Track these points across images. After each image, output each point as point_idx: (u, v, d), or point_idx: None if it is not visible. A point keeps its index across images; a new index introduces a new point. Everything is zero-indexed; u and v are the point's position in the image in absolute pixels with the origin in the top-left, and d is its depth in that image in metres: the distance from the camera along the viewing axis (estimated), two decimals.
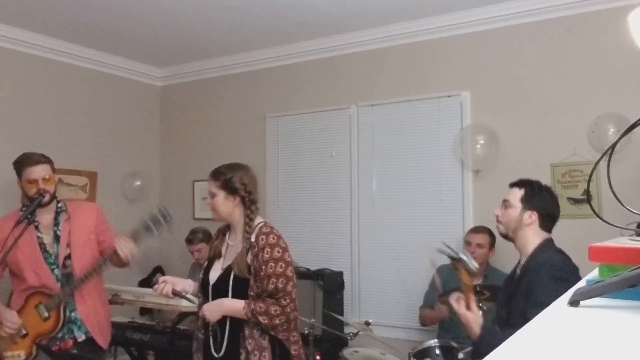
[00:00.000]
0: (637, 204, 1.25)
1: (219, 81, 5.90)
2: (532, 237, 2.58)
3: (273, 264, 2.64)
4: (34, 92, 5.09)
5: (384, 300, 4.82)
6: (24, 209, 3.29)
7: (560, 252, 2.58)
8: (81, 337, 3.30)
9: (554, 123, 4.23)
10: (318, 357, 4.11)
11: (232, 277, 2.72)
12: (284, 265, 2.66)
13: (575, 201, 4.12)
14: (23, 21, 4.73)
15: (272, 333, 2.66)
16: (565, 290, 2.46)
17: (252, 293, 2.67)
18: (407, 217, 4.76)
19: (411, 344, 3.97)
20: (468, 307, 2.33)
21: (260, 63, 5.57)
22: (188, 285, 2.98)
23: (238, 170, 2.82)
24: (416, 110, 4.78)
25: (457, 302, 2.41)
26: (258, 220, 2.82)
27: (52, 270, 3.31)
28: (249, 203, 2.80)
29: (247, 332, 2.66)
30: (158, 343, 4.12)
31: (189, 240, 4.91)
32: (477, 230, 4.14)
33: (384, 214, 4.86)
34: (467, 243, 4.11)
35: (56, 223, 3.38)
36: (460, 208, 4.54)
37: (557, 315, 0.84)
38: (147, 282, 5.79)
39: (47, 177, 3.29)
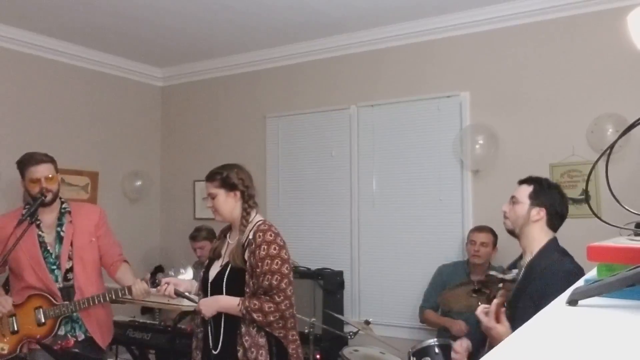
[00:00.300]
0: (636, 204, 1.26)
1: (219, 81, 5.91)
2: (539, 234, 2.56)
3: (269, 261, 2.66)
4: (35, 92, 5.10)
5: (384, 300, 4.84)
6: (26, 207, 3.30)
7: (565, 253, 2.57)
8: (81, 337, 3.32)
9: (553, 123, 4.25)
10: (318, 356, 4.12)
11: (227, 272, 2.76)
12: (279, 262, 2.68)
13: (574, 201, 4.13)
14: (25, 22, 4.74)
15: (267, 330, 2.67)
16: None
17: (247, 290, 2.69)
18: (406, 216, 4.77)
19: (411, 342, 3.98)
20: (498, 320, 2.22)
21: (261, 63, 5.58)
22: (191, 286, 3.00)
23: (232, 168, 2.88)
24: (416, 111, 4.79)
25: (484, 315, 2.29)
26: (257, 217, 2.85)
27: (52, 270, 3.31)
28: (247, 197, 2.85)
29: (243, 329, 2.68)
30: (159, 342, 4.12)
31: (193, 237, 4.93)
32: (481, 229, 4.15)
33: (383, 214, 4.88)
34: (472, 242, 4.13)
35: (60, 224, 3.38)
36: (460, 208, 4.56)
37: (555, 314, 0.84)
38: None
39: (50, 176, 3.29)
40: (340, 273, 4.86)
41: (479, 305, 2.46)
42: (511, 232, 2.66)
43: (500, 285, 2.22)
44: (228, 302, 2.71)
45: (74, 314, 3.30)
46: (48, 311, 3.25)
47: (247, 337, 2.67)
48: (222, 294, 2.75)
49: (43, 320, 3.25)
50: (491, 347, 2.31)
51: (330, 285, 4.66)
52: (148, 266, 5.94)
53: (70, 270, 3.33)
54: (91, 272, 3.40)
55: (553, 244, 2.58)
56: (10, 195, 4.79)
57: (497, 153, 4.38)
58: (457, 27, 4.61)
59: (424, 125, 4.75)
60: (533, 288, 2.40)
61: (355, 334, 4.06)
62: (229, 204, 2.82)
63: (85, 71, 5.51)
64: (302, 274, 4.62)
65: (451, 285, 3.92)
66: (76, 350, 3.17)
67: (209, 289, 2.83)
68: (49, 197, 3.27)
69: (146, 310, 5.26)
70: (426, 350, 3.66)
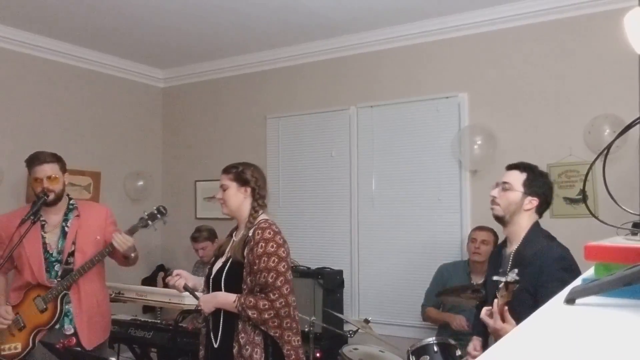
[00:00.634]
0: (633, 204, 1.28)
1: (220, 82, 5.91)
2: (527, 222, 2.55)
3: (266, 259, 2.66)
4: (37, 93, 5.10)
5: (383, 299, 4.85)
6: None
7: (551, 238, 2.57)
8: (70, 330, 3.32)
9: (550, 124, 4.27)
10: (318, 355, 4.13)
11: (226, 268, 2.78)
12: (276, 260, 2.67)
13: (572, 201, 4.16)
14: (27, 24, 4.74)
15: (263, 328, 2.66)
16: (574, 278, 2.45)
17: (245, 287, 2.70)
18: (406, 216, 4.79)
19: (410, 341, 3.99)
20: (504, 320, 2.19)
21: (261, 65, 5.59)
22: (199, 284, 3.01)
23: (249, 165, 2.93)
24: (414, 111, 4.81)
25: (489, 317, 2.26)
26: (262, 216, 2.86)
27: (52, 266, 3.32)
28: (258, 196, 2.88)
29: (240, 326, 2.69)
30: (160, 340, 4.13)
31: (194, 238, 4.94)
32: (482, 227, 4.17)
33: (383, 214, 4.89)
34: (473, 240, 4.14)
35: (65, 219, 3.39)
36: (458, 208, 4.58)
37: (553, 313, 0.84)
38: (150, 280, 5.82)
39: (53, 176, 3.29)
40: (340, 272, 4.88)
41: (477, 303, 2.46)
42: (499, 219, 2.63)
43: (506, 288, 2.21)
44: (225, 299, 2.72)
45: (67, 306, 3.31)
46: (46, 296, 3.28)
47: (243, 334, 2.68)
48: (220, 289, 2.77)
49: (44, 306, 3.28)
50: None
51: (330, 284, 4.67)
52: (150, 266, 5.97)
53: (72, 254, 3.34)
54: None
55: (537, 228, 2.57)
56: (13, 194, 4.81)
57: (495, 153, 4.39)
58: (456, 29, 4.63)
59: (423, 126, 4.76)
60: (526, 278, 2.38)
61: (354, 332, 4.07)
62: (238, 197, 2.85)
63: (87, 72, 5.52)
64: (302, 273, 4.64)
65: (451, 286, 3.95)
66: (78, 348, 3.19)
67: (210, 285, 2.86)
68: (51, 197, 3.27)
69: (148, 309, 5.28)
70: (425, 349, 3.66)
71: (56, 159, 3.36)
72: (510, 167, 2.68)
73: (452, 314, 4.10)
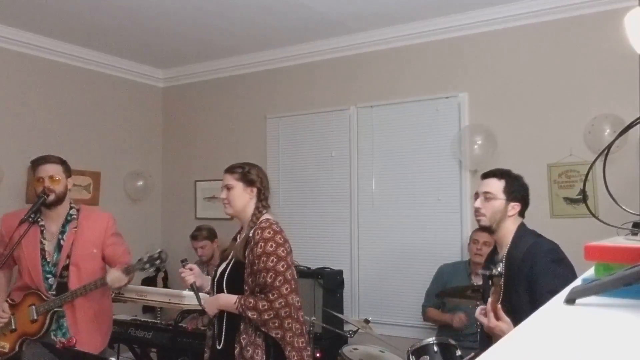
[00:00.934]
0: (633, 204, 1.28)
1: (220, 83, 5.92)
2: (513, 226, 2.61)
3: (265, 258, 2.65)
4: (37, 93, 5.11)
5: (383, 299, 4.85)
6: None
7: (537, 235, 2.62)
8: (60, 344, 3.31)
9: (550, 124, 4.27)
10: (318, 355, 4.14)
11: (228, 269, 2.77)
12: (275, 259, 2.65)
13: (572, 201, 4.16)
14: (27, 24, 4.75)
15: (264, 329, 2.65)
16: (566, 270, 2.50)
17: (246, 288, 2.70)
18: (406, 216, 4.79)
19: (410, 341, 3.99)
20: (497, 318, 2.21)
21: (261, 65, 5.59)
22: (207, 283, 2.99)
23: (254, 166, 2.94)
24: (414, 111, 4.81)
25: (484, 315, 2.28)
26: (265, 216, 2.85)
27: (47, 279, 3.31)
28: (263, 197, 2.88)
29: (242, 327, 2.69)
30: (160, 340, 4.14)
31: (194, 237, 4.94)
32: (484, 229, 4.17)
33: (383, 214, 4.90)
34: (474, 241, 4.14)
35: (62, 231, 3.35)
36: (458, 208, 4.58)
37: (553, 313, 0.84)
38: (150, 280, 5.82)
39: (54, 176, 3.29)
40: (340, 272, 4.88)
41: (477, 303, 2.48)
42: (487, 228, 2.67)
43: (490, 282, 2.25)
44: (226, 300, 2.72)
45: (62, 320, 3.29)
46: (39, 307, 3.27)
47: (244, 335, 2.68)
48: (223, 291, 2.77)
49: (35, 317, 3.27)
50: (478, 337, 2.34)
51: (330, 284, 4.67)
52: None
53: (66, 268, 3.31)
54: (86, 281, 3.29)
55: (523, 228, 2.63)
56: (13, 195, 4.81)
57: (495, 153, 4.40)
58: (455, 29, 4.63)
59: (423, 125, 4.76)
60: (520, 276, 2.44)
61: (355, 332, 4.07)
62: (243, 198, 2.84)
63: (87, 72, 5.52)
64: (302, 273, 4.63)
65: (451, 286, 3.95)
66: (78, 348, 3.19)
67: (214, 287, 2.86)
68: (51, 197, 3.26)
69: (148, 309, 5.28)
70: (425, 349, 3.67)
71: (61, 161, 3.37)
72: (487, 175, 2.73)
73: (452, 314, 4.11)
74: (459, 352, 3.63)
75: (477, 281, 3.99)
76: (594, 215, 1.35)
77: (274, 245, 2.68)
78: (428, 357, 3.62)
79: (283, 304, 2.63)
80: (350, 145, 5.08)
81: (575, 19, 4.21)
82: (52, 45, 5.13)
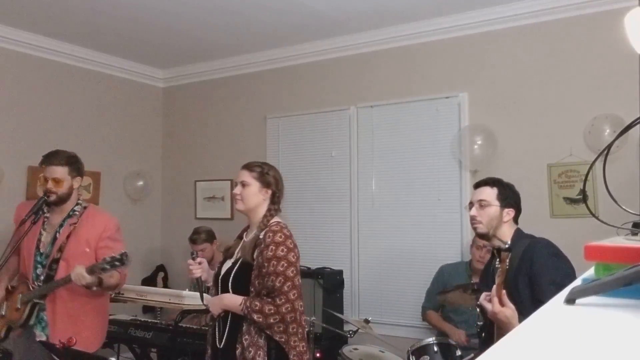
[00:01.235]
0: (633, 204, 1.28)
1: (220, 83, 5.92)
2: (509, 231, 2.67)
3: (275, 262, 2.64)
4: (37, 93, 5.11)
5: (383, 299, 4.85)
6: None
7: (533, 237, 2.67)
8: (41, 337, 3.30)
9: (550, 124, 4.27)
10: (318, 355, 4.14)
11: (235, 269, 2.76)
12: (285, 264, 2.66)
13: (572, 201, 4.16)
14: (27, 24, 4.75)
15: (268, 333, 2.65)
16: (565, 263, 2.54)
17: (252, 289, 2.69)
18: (405, 216, 4.79)
19: (410, 341, 4.00)
20: (502, 304, 2.21)
21: (261, 65, 5.59)
22: (211, 278, 2.97)
23: (272, 168, 2.94)
24: (414, 111, 4.81)
25: (488, 301, 2.27)
26: (275, 219, 2.84)
27: (36, 268, 3.34)
28: (276, 200, 2.88)
29: (244, 327, 2.69)
30: (160, 340, 4.13)
31: (193, 241, 4.92)
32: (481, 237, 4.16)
33: (383, 214, 4.90)
34: (478, 247, 4.10)
35: (61, 225, 3.38)
36: (458, 208, 4.57)
37: (553, 313, 0.84)
38: (150, 280, 5.83)
39: (58, 179, 3.30)
40: (340, 272, 4.88)
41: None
42: (484, 236, 2.73)
43: (498, 259, 2.25)
44: (231, 301, 2.71)
45: (42, 314, 3.30)
46: (23, 296, 3.31)
47: (246, 336, 2.67)
48: (228, 290, 2.76)
49: (19, 306, 3.31)
50: (500, 334, 2.34)
51: (330, 284, 4.68)
52: (149, 266, 5.97)
53: (56, 261, 3.31)
54: None
55: (520, 232, 2.68)
56: (13, 195, 4.81)
57: (495, 153, 4.40)
58: (455, 29, 4.63)
59: (423, 125, 4.76)
60: (520, 274, 2.48)
61: (355, 332, 4.08)
62: (257, 198, 2.83)
63: (87, 72, 5.53)
64: (302, 273, 4.59)
65: (451, 286, 3.95)
66: (77, 348, 3.19)
67: (219, 285, 2.84)
68: (52, 198, 3.30)
69: (147, 309, 5.28)
70: (425, 349, 3.68)
71: (68, 162, 3.36)
72: (480, 184, 2.79)
73: (453, 327, 4.09)
74: (459, 352, 3.64)
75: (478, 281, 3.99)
76: (594, 215, 1.35)
77: (285, 249, 2.69)
78: (428, 357, 3.62)
79: (290, 309, 2.64)
80: (350, 145, 5.08)
81: (575, 19, 4.21)
82: (52, 45, 5.13)
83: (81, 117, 5.46)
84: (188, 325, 4.18)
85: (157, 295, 4.23)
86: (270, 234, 2.72)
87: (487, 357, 0.62)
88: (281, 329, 2.65)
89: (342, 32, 4.98)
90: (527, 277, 2.46)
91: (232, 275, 2.76)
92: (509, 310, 2.19)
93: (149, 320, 4.45)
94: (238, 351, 2.67)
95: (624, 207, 1.23)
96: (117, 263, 3.09)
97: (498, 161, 4.39)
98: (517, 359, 0.63)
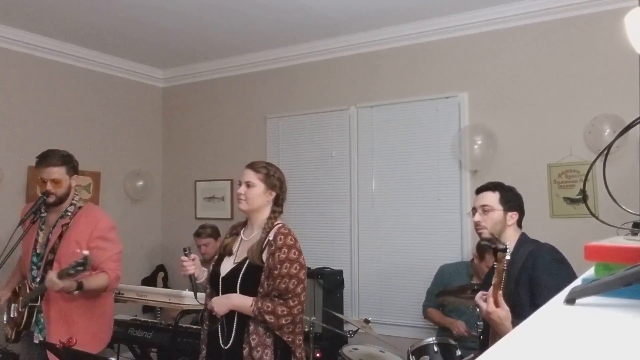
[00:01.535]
0: (633, 204, 1.28)
1: (220, 83, 5.92)
2: (513, 235, 2.66)
3: (288, 265, 2.66)
4: (37, 93, 5.11)
5: (383, 299, 4.86)
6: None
7: (538, 242, 2.66)
8: (38, 339, 3.29)
9: (550, 124, 4.27)
10: (318, 355, 4.14)
11: (243, 270, 2.74)
12: (298, 267, 2.69)
13: (572, 201, 4.16)
14: (28, 24, 4.75)
15: (277, 333, 2.66)
16: (566, 269, 2.54)
17: (261, 290, 2.69)
18: (405, 216, 4.79)
19: (410, 341, 4.00)
20: (497, 304, 2.23)
21: (261, 65, 5.60)
22: (203, 275, 2.95)
23: (277, 170, 2.93)
24: (414, 111, 4.81)
25: (483, 301, 2.30)
26: (278, 221, 2.86)
27: (32, 270, 3.33)
28: (281, 202, 2.89)
29: (252, 327, 2.68)
30: (160, 340, 4.12)
31: (198, 234, 4.94)
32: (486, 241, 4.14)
33: (383, 214, 4.90)
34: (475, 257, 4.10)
35: (55, 225, 3.36)
36: (458, 208, 4.58)
37: (553, 313, 0.84)
38: (150, 280, 5.83)
39: (57, 179, 3.28)
40: (340, 272, 4.88)
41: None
42: (488, 241, 2.72)
43: (495, 258, 2.25)
44: (241, 302, 2.70)
45: (40, 316, 3.29)
46: (22, 299, 3.32)
47: (254, 336, 2.67)
48: (234, 291, 2.74)
49: (20, 308, 3.33)
50: (494, 333, 2.35)
51: (330, 284, 4.68)
52: (150, 266, 5.98)
53: (50, 263, 3.28)
54: None
55: (524, 237, 2.68)
56: (13, 195, 4.81)
57: (495, 153, 4.40)
58: (455, 29, 4.63)
59: (423, 125, 4.76)
60: (522, 278, 2.48)
61: (355, 332, 4.07)
62: (262, 199, 2.83)
63: (87, 72, 5.53)
64: None
65: (452, 286, 3.95)
66: (77, 348, 3.19)
67: (220, 284, 2.81)
68: (51, 199, 3.29)
69: (148, 309, 5.28)
70: (425, 349, 3.67)
71: (64, 162, 3.33)
72: (481, 190, 2.79)
73: (453, 320, 4.09)
74: (459, 352, 3.64)
75: (478, 282, 3.99)
76: (594, 215, 1.35)
77: (296, 252, 2.72)
78: (428, 357, 3.62)
79: (300, 310, 2.69)
80: (350, 145, 5.08)
81: (575, 19, 4.21)
82: (52, 45, 5.13)
83: (81, 117, 5.46)
84: (188, 325, 4.17)
85: (157, 295, 4.23)
86: (282, 237, 2.73)
87: (487, 357, 0.62)
88: (290, 329, 2.68)
89: (342, 32, 4.98)
90: (528, 281, 2.46)
91: (240, 278, 2.74)
92: (502, 312, 2.21)
93: (149, 320, 4.45)
94: (245, 351, 2.67)
95: (624, 207, 1.23)
96: (79, 268, 2.99)
97: (498, 161, 4.39)
98: (517, 359, 0.63)
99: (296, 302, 2.66)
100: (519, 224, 2.72)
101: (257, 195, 2.82)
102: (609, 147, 1.31)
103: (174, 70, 6.12)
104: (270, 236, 2.76)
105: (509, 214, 2.66)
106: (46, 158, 3.31)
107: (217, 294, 2.80)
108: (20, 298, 3.34)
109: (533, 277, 2.44)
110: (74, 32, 4.96)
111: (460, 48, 4.66)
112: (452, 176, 4.62)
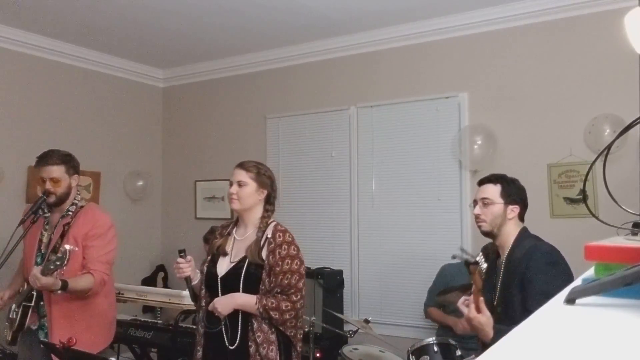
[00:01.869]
0: (633, 204, 1.28)
1: (220, 82, 5.92)
2: (514, 229, 2.63)
3: (289, 261, 2.71)
4: (37, 93, 5.11)
5: (383, 299, 4.86)
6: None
7: (538, 239, 2.64)
8: (40, 337, 3.29)
9: (550, 124, 4.27)
10: (318, 355, 4.14)
11: (244, 270, 2.75)
12: (298, 262, 2.74)
13: (572, 201, 4.16)
14: (27, 24, 4.75)
15: (281, 329, 2.70)
16: (561, 273, 2.53)
17: (262, 287, 2.70)
18: (405, 216, 4.79)
19: (410, 341, 3.99)
20: (478, 310, 2.26)
21: (261, 65, 5.60)
22: (196, 277, 2.94)
23: (267, 169, 2.93)
24: (414, 111, 4.81)
25: (466, 306, 2.35)
26: (272, 219, 2.88)
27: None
28: (272, 200, 2.90)
29: (255, 325, 2.70)
30: (160, 340, 4.13)
31: (207, 240, 4.91)
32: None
33: (383, 214, 4.90)
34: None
35: (56, 225, 3.35)
36: (458, 208, 4.58)
37: (553, 313, 0.84)
38: (150, 280, 5.83)
39: (56, 178, 3.27)
40: (340, 272, 4.88)
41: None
42: (488, 234, 2.69)
43: (468, 271, 2.28)
44: (245, 300, 2.70)
45: (43, 320, 3.28)
46: (17, 299, 3.32)
47: (259, 333, 2.69)
48: (236, 290, 2.74)
49: (15, 309, 3.31)
50: (479, 338, 2.36)
51: (330, 284, 4.68)
52: (150, 266, 5.98)
53: None
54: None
55: (525, 232, 2.65)
56: (13, 194, 4.81)
57: (495, 153, 4.40)
58: (455, 29, 4.63)
59: (423, 125, 4.77)
60: (516, 276, 2.47)
61: (355, 332, 4.07)
62: (253, 197, 2.83)
63: (88, 72, 5.53)
64: None
65: (453, 286, 3.94)
66: (79, 349, 3.19)
67: (218, 284, 2.80)
68: (51, 198, 3.28)
69: (148, 309, 5.29)
70: (425, 349, 3.67)
71: (64, 161, 3.31)
72: (483, 182, 2.75)
73: (455, 318, 4.08)
74: (459, 352, 3.63)
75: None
76: (594, 215, 1.35)
77: (295, 249, 2.77)
78: (428, 357, 3.62)
79: (302, 304, 2.75)
80: (350, 145, 5.08)
81: (575, 19, 4.22)
82: (52, 45, 5.13)
83: (81, 117, 5.46)
84: (188, 325, 4.18)
85: (157, 295, 4.24)
86: (280, 234, 2.77)
87: (487, 357, 0.62)
88: (293, 324, 2.73)
89: (342, 32, 4.98)
90: (521, 281, 2.44)
91: (242, 277, 2.75)
92: (483, 318, 2.26)
93: (149, 320, 4.45)
94: (252, 349, 2.68)
95: (624, 207, 1.23)
96: (57, 262, 2.96)
97: (498, 161, 4.39)
98: (517, 359, 0.63)
99: (299, 297, 2.71)
100: (521, 217, 2.68)
101: (249, 194, 2.83)
102: (609, 147, 1.31)
103: (174, 70, 6.12)
104: (269, 234, 2.78)
105: (510, 207, 2.63)
106: (46, 157, 3.30)
107: (216, 295, 2.79)
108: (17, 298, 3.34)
109: (525, 279, 2.43)
110: (74, 32, 4.96)
111: (460, 48, 4.66)
112: (452, 176, 4.62)
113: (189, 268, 2.86)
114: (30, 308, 3.27)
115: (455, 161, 4.60)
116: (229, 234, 2.95)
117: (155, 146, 6.26)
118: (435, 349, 3.64)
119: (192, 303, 3.23)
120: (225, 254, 2.88)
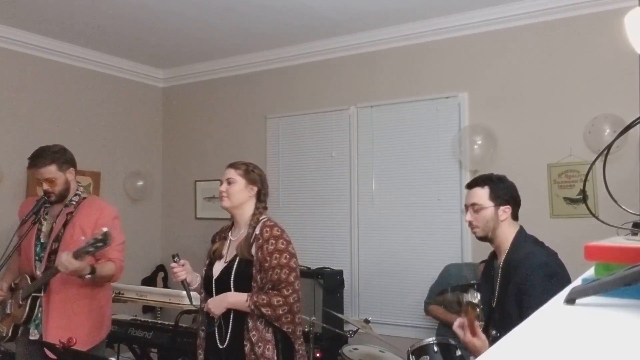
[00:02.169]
0: (633, 204, 1.27)
1: (220, 82, 5.92)
2: (509, 230, 2.58)
3: (277, 255, 2.69)
4: (37, 93, 5.12)
5: (383, 299, 4.86)
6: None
7: (537, 242, 2.59)
8: (34, 336, 3.24)
9: (550, 124, 4.27)
10: (318, 355, 4.14)
11: (234, 269, 2.76)
12: (288, 256, 2.71)
13: (572, 201, 4.16)
14: (28, 24, 4.75)
15: (276, 325, 2.68)
16: (558, 285, 2.51)
17: (254, 285, 2.70)
18: (405, 216, 4.79)
19: (410, 341, 3.99)
20: (474, 334, 2.25)
21: (261, 65, 5.60)
22: (195, 280, 2.96)
23: (257, 167, 2.96)
24: (414, 111, 4.81)
25: (461, 329, 2.31)
26: (263, 216, 2.88)
27: (36, 260, 3.29)
28: (262, 197, 2.90)
29: (250, 324, 2.69)
30: (160, 340, 4.13)
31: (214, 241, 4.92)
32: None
33: (383, 214, 4.90)
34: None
35: (58, 214, 3.33)
36: (458, 208, 4.57)
37: (553, 313, 0.83)
38: (150, 280, 5.83)
39: (50, 178, 3.25)
40: (340, 272, 4.88)
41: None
42: (483, 239, 2.65)
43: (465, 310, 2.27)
44: (236, 299, 2.71)
45: (39, 309, 3.25)
46: (24, 291, 3.25)
47: (254, 332, 2.68)
48: (228, 290, 2.75)
49: (20, 301, 3.26)
50: None
51: (330, 284, 4.68)
52: (150, 266, 5.98)
53: (54, 252, 3.23)
54: None
55: (522, 234, 2.60)
56: (13, 195, 4.81)
57: (495, 153, 4.40)
58: (455, 29, 4.63)
59: (423, 125, 4.77)
60: (513, 284, 2.43)
61: (355, 332, 4.07)
62: (243, 195, 2.84)
63: (87, 72, 5.53)
64: (302, 273, 4.56)
65: (454, 287, 3.94)
66: (77, 348, 3.19)
67: (213, 286, 2.82)
68: (52, 198, 3.28)
69: (148, 309, 5.29)
70: (425, 349, 3.67)
71: (53, 159, 3.26)
72: (470, 186, 2.69)
73: (456, 315, 4.08)
74: (459, 352, 3.63)
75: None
76: (594, 215, 1.35)
77: (284, 242, 2.74)
78: (428, 357, 3.61)
79: (296, 298, 2.70)
80: (350, 145, 5.08)
81: (575, 19, 4.22)
82: (52, 45, 5.13)
83: (81, 117, 5.46)
84: (188, 325, 4.18)
85: (157, 295, 4.24)
86: (268, 229, 2.76)
87: (487, 357, 0.61)
88: (289, 319, 2.69)
89: (342, 32, 4.98)
90: (517, 290, 2.40)
91: (232, 275, 2.76)
92: (479, 342, 2.24)
93: (149, 320, 4.45)
94: (247, 348, 2.68)
95: (624, 207, 1.23)
96: (99, 244, 2.95)
97: (498, 161, 4.39)
98: (517, 359, 0.63)
99: (290, 291, 2.67)
100: (515, 216, 2.63)
101: (239, 191, 2.84)
102: (609, 147, 1.31)
103: (174, 70, 6.12)
104: (257, 230, 2.78)
105: (501, 208, 2.57)
106: (35, 159, 3.26)
107: (212, 297, 2.81)
108: (20, 291, 3.27)
109: (521, 291, 2.39)
110: (74, 32, 4.96)
111: (460, 48, 4.66)
112: (452, 176, 4.62)
113: (184, 272, 2.87)
114: (39, 299, 3.23)
115: (455, 161, 4.60)
116: (225, 237, 2.97)
117: (155, 146, 6.26)
118: (435, 349, 3.64)
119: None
120: (221, 257, 2.89)
